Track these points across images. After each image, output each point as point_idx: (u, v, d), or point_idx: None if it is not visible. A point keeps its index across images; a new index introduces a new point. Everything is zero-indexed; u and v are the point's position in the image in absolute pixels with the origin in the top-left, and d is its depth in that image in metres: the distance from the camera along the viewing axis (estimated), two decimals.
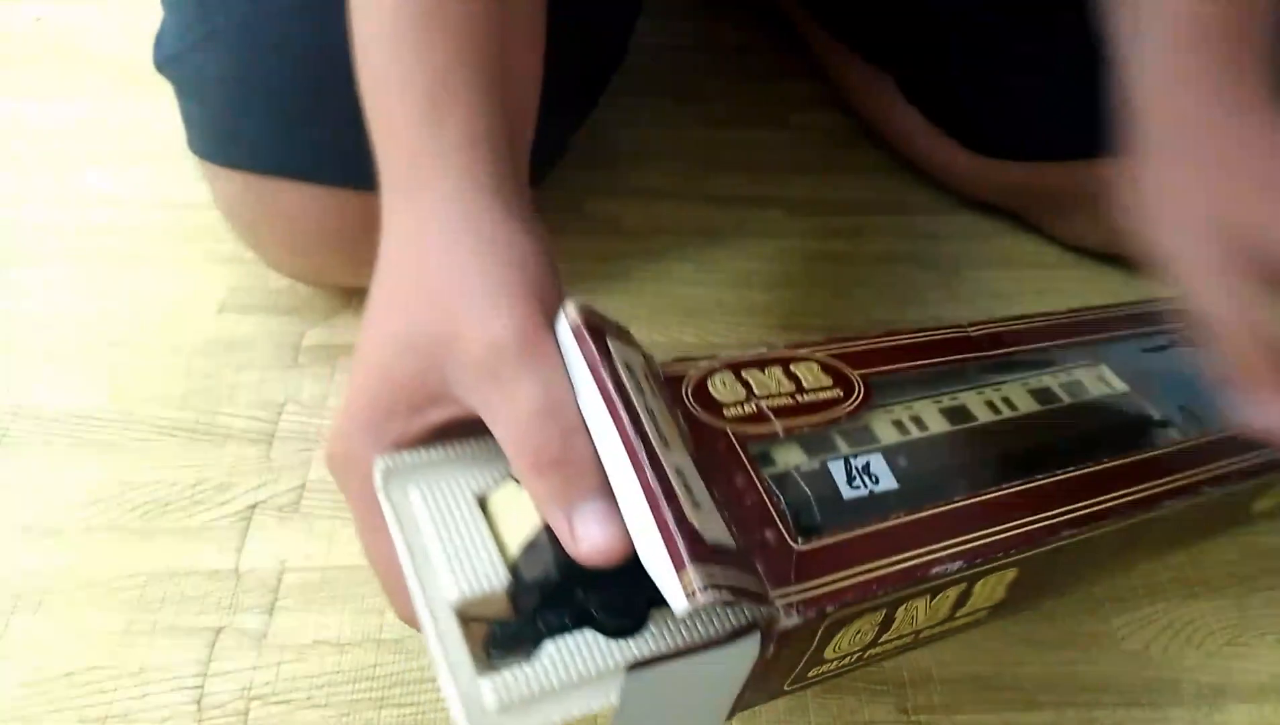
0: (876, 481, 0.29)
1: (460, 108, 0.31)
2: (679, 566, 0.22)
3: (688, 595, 0.22)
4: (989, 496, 0.29)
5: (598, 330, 0.27)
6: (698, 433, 0.28)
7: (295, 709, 0.37)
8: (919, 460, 0.30)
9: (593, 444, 0.26)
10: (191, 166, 0.49)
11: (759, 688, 0.27)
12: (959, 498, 0.29)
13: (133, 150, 0.63)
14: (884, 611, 0.27)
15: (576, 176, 0.62)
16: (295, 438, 0.46)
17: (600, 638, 0.25)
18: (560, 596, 0.26)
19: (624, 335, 0.28)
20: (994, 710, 0.38)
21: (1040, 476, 0.30)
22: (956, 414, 0.33)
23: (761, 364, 0.31)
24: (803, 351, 0.32)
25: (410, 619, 0.28)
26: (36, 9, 0.76)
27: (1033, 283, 0.60)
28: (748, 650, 0.25)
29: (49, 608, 0.39)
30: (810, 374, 0.31)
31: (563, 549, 0.25)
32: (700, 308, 0.56)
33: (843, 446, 0.30)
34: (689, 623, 0.25)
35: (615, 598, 0.26)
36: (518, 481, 0.27)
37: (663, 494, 0.24)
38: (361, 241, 0.49)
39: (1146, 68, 0.36)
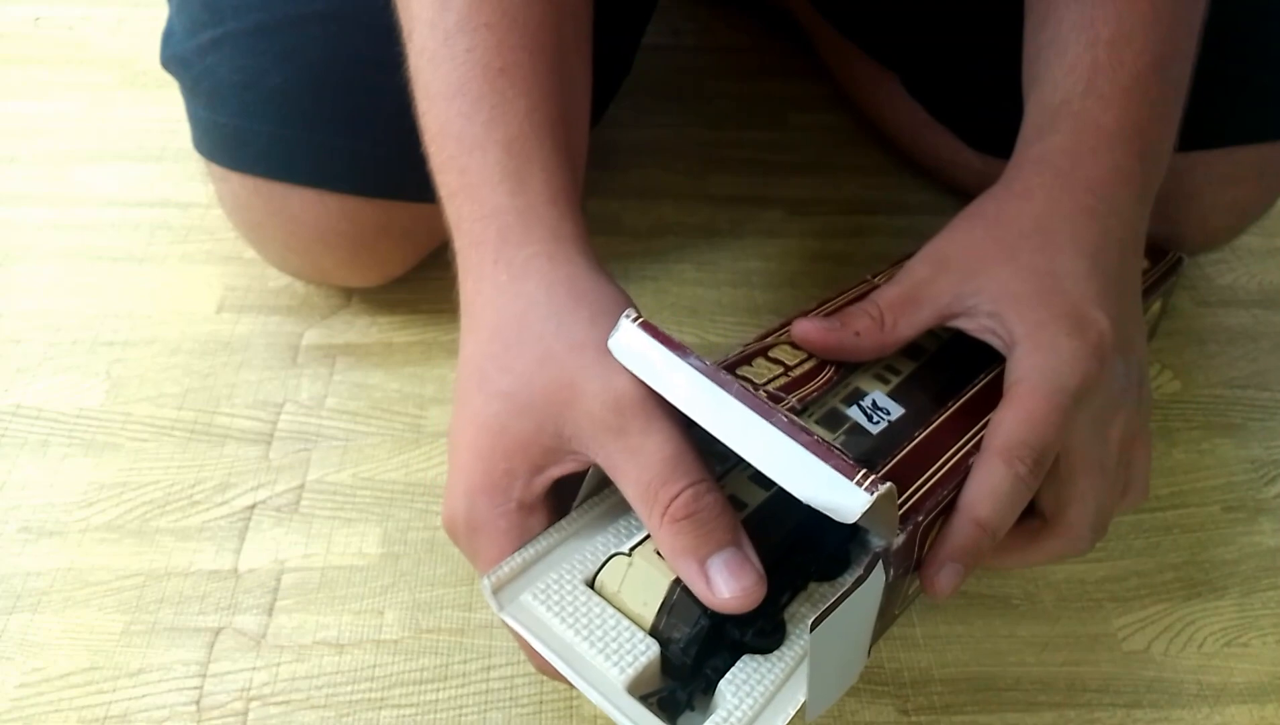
0: (889, 413, 0.34)
1: (538, 166, 0.32)
2: (848, 473, 0.25)
3: (869, 489, 0.25)
4: (967, 397, 0.35)
5: (654, 328, 0.29)
6: None
7: (294, 709, 0.37)
8: (908, 390, 0.36)
9: (720, 493, 0.28)
10: (191, 166, 0.49)
11: (883, 618, 0.31)
12: (950, 402, 0.34)
13: (133, 150, 0.63)
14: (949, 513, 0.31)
15: None
16: (294, 438, 0.46)
17: (758, 658, 0.28)
18: (713, 642, 0.28)
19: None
20: (994, 711, 0.38)
21: (992, 368, 0.35)
22: (912, 350, 0.38)
23: (748, 359, 0.34)
24: (770, 340, 0.36)
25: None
26: (36, 9, 0.76)
27: None
28: (879, 577, 0.28)
29: (47, 608, 0.39)
30: (786, 355, 0.35)
31: (698, 600, 0.27)
32: (700, 308, 0.55)
33: (850, 398, 0.35)
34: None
35: (760, 621, 0.28)
36: (624, 554, 0.29)
37: (794, 426, 0.26)
38: (365, 244, 0.49)
39: (1029, 140, 0.39)
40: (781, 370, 0.34)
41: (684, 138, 0.69)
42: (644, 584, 0.28)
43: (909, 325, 0.35)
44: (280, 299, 0.53)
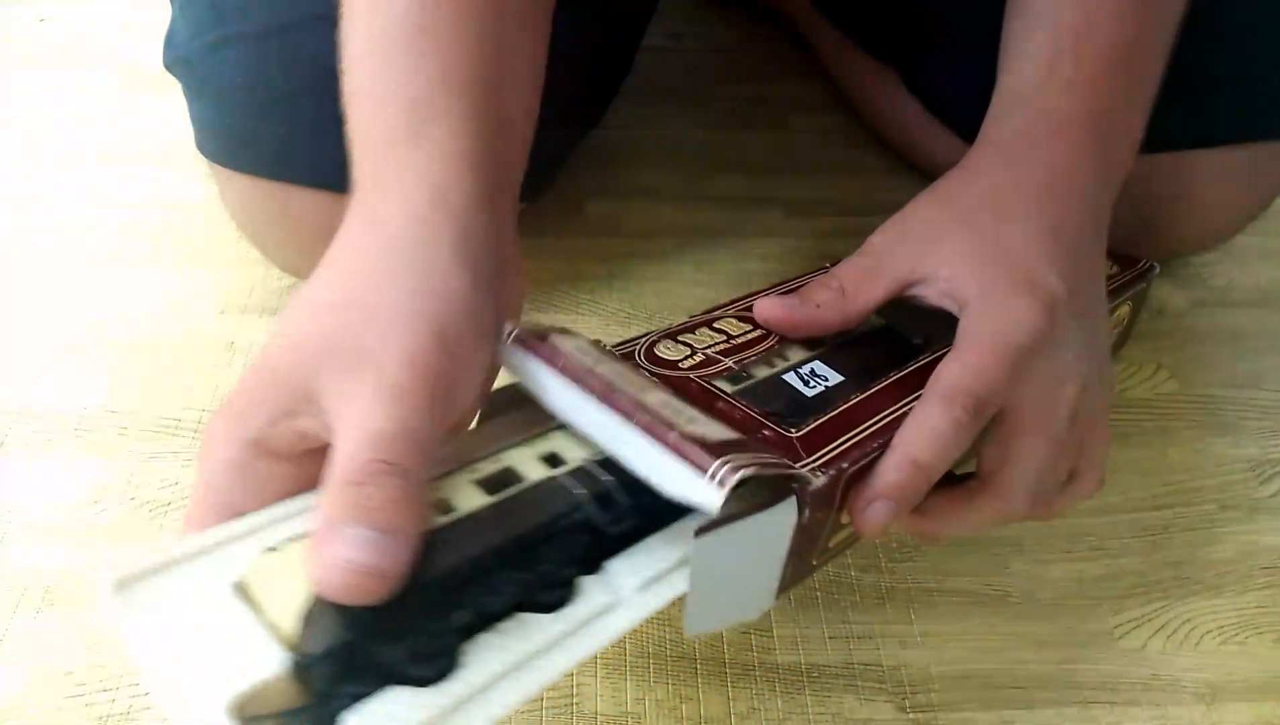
0: (826, 379, 0.34)
1: (438, 127, 0.31)
2: (701, 468, 0.25)
3: (718, 484, 0.25)
4: (909, 369, 0.35)
5: (538, 336, 0.30)
6: (665, 383, 0.32)
7: None
8: (848, 358, 0.35)
9: (416, 487, 0.24)
10: (193, 167, 0.50)
11: (798, 563, 0.30)
12: (894, 373, 0.34)
13: (134, 150, 0.63)
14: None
15: (576, 177, 0.62)
16: None
17: (410, 692, 0.22)
18: (359, 660, 0.23)
19: (564, 332, 0.31)
20: (992, 709, 0.38)
21: (938, 348, 0.35)
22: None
23: (691, 328, 0.36)
24: (716, 313, 0.38)
25: None
26: (40, 10, 0.76)
27: None
28: (788, 513, 0.28)
29: (51, 607, 0.39)
30: (731, 326, 0.36)
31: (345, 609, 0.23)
32: (700, 308, 0.55)
33: (786, 363, 0.35)
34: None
35: (416, 640, 0.23)
36: (273, 549, 0.25)
37: (659, 422, 0.27)
38: None
39: (991, 123, 0.39)
40: (724, 337, 0.35)
41: (684, 138, 0.69)
42: (288, 586, 0.24)
43: (869, 296, 0.35)
44: (284, 299, 0.54)
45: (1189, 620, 0.42)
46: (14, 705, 0.36)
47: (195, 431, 0.46)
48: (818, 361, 0.35)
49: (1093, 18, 0.38)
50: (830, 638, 0.40)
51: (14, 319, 0.52)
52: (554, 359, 0.29)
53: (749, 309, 0.37)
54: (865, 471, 0.30)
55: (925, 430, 0.30)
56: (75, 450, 0.45)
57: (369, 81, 0.33)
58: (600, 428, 0.28)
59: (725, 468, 0.25)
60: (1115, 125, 0.38)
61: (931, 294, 0.35)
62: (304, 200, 0.46)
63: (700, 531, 0.25)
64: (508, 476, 0.28)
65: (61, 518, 0.42)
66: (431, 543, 0.24)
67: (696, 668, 0.39)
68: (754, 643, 0.40)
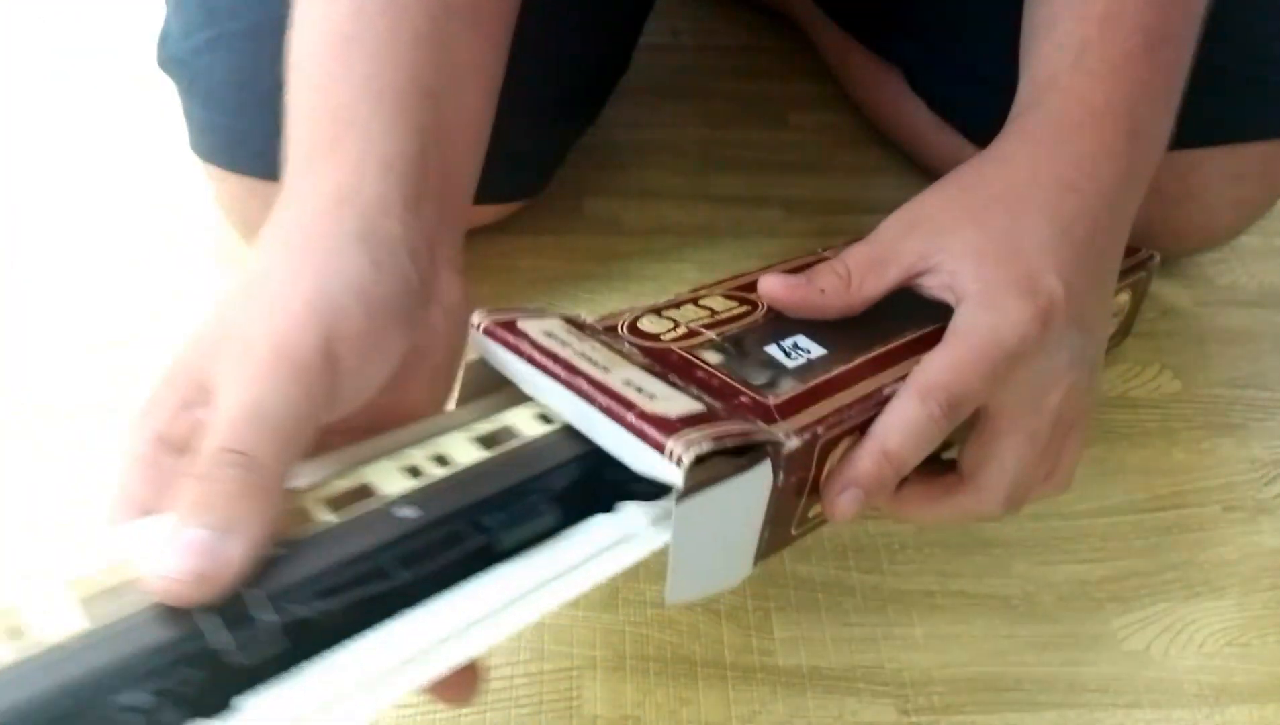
0: (809, 352, 0.34)
1: (356, 135, 0.30)
2: (658, 447, 0.26)
3: (676, 462, 0.25)
4: (894, 345, 0.34)
5: (505, 323, 0.31)
6: (646, 354, 0.32)
7: None
8: (832, 332, 0.35)
9: (270, 481, 0.23)
10: (187, 167, 0.49)
11: (776, 530, 0.31)
12: (878, 348, 0.34)
13: (133, 150, 0.63)
14: (858, 434, 0.31)
15: (576, 176, 0.62)
16: None
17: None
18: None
19: (536, 312, 0.32)
20: (995, 711, 0.38)
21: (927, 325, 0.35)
22: None
23: (676, 305, 0.36)
24: (703, 291, 0.38)
25: None
26: (40, 9, 0.76)
27: None
28: (762, 477, 0.28)
29: None
30: (717, 303, 0.36)
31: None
32: None
33: (769, 335, 0.35)
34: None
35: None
36: None
37: (618, 404, 0.27)
38: None
39: (1017, 114, 0.39)
40: (708, 313, 0.35)
41: (684, 138, 0.69)
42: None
43: (876, 285, 0.35)
44: None
45: (1192, 622, 0.42)
46: None
47: None
48: (801, 335, 0.35)
49: (1118, 6, 0.37)
50: (832, 640, 0.40)
51: (12, 318, 0.51)
52: (519, 347, 0.30)
53: (737, 288, 0.37)
54: (841, 438, 0.31)
55: (899, 423, 0.31)
56: (74, 451, 0.45)
57: (298, 93, 0.32)
58: (568, 409, 0.29)
59: (680, 444, 0.26)
60: (1142, 118, 0.37)
61: (934, 285, 0.35)
62: None
63: (678, 499, 0.26)
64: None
65: (61, 518, 0.42)
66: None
67: (697, 670, 0.38)
68: (755, 645, 0.39)
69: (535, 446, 0.29)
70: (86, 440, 0.45)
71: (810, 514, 0.33)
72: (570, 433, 0.29)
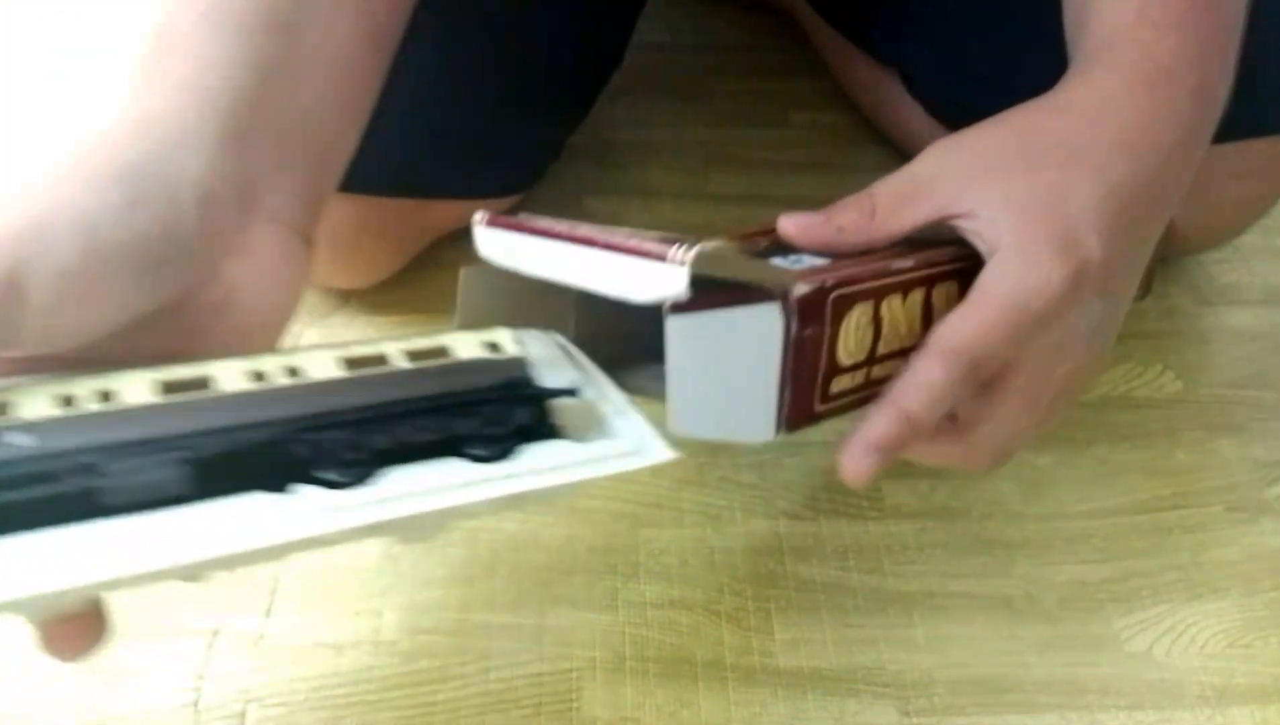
0: (802, 261, 0.33)
1: (182, 59, 0.28)
2: (660, 257, 0.26)
3: (680, 264, 0.25)
4: (905, 242, 0.33)
5: (507, 215, 0.32)
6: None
7: (293, 712, 0.37)
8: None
9: None
10: None
11: (798, 394, 0.29)
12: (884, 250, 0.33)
13: None
14: (871, 306, 0.31)
15: (576, 174, 0.62)
16: None
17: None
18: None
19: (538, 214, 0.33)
20: (996, 713, 0.38)
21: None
22: None
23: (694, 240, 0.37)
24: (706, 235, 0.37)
25: None
26: (41, 9, 0.76)
27: None
28: (771, 316, 0.28)
29: None
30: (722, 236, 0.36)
31: None
32: None
33: (773, 251, 0.34)
34: None
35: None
36: None
37: (621, 241, 0.27)
38: (346, 243, 0.49)
39: (1077, 70, 0.37)
40: (724, 238, 0.35)
41: (684, 137, 0.69)
42: None
43: (901, 222, 0.33)
44: (317, 307, 0.53)
45: (1195, 623, 0.42)
46: (9, 707, 0.36)
47: None
48: (807, 254, 0.34)
49: None
50: (833, 641, 0.40)
51: None
52: (519, 224, 0.30)
53: (753, 232, 0.37)
54: (855, 303, 0.30)
55: (920, 384, 0.30)
56: None
57: (138, 7, 0.30)
58: (568, 264, 0.29)
59: (682, 249, 0.25)
60: (1207, 76, 0.36)
61: (967, 228, 0.33)
62: (338, 205, 0.46)
63: (674, 309, 0.26)
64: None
65: None
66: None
67: (697, 671, 0.38)
68: (755, 646, 0.39)
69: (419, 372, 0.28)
70: None
71: (833, 389, 0.31)
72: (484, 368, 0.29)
